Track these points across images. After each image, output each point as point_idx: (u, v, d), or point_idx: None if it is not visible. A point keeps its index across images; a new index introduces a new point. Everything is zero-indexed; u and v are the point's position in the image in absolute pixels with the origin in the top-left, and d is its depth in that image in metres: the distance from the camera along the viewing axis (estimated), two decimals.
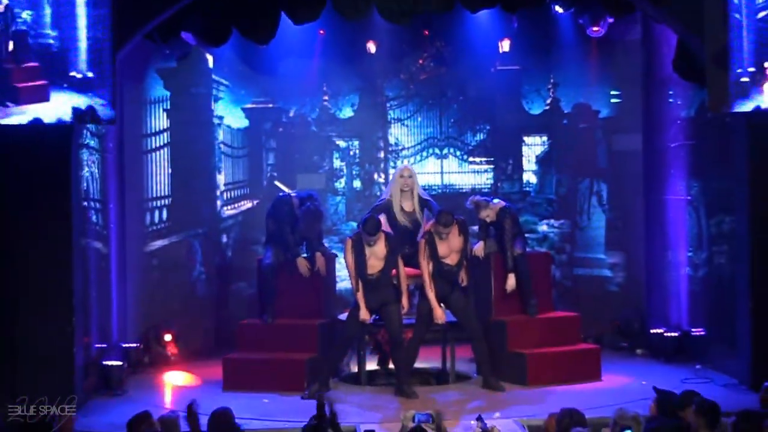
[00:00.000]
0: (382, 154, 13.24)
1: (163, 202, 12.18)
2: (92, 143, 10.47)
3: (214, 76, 12.64)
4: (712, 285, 10.93)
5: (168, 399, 10.34)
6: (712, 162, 10.91)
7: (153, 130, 12.01)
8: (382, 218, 10.34)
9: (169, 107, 12.17)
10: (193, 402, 6.86)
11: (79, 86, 8.89)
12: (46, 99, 8.84)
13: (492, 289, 10.55)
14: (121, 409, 8.93)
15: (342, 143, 13.21)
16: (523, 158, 13.26)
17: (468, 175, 13.28)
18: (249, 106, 13.03)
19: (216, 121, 12.76)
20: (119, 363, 10.38)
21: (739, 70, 9.23)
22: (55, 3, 8.81)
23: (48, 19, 8.82)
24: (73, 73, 8.86)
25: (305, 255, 10.70)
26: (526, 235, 11.35)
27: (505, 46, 12.78)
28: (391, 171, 12.84)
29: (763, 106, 9.33)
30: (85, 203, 10.23)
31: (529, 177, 13.27)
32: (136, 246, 11.62)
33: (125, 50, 9.58)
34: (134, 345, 11.21)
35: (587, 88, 12.87)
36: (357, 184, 13.25)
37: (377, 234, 9.88)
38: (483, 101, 13.13)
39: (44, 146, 9.28)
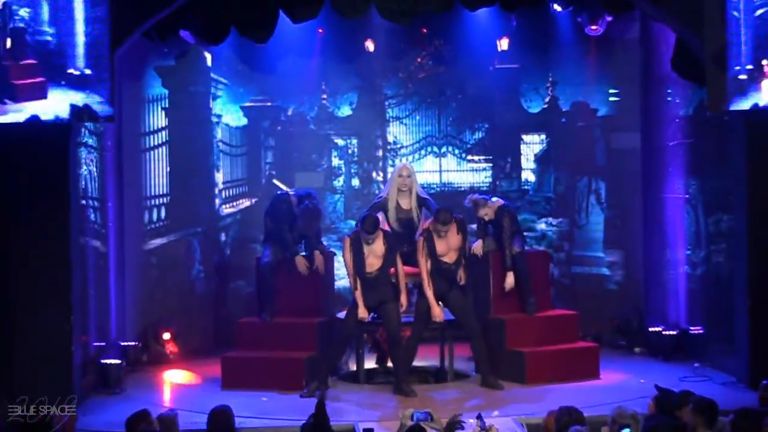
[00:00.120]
0: (380, 153, 13.22)
1: (161, 200, 12.16)
2: (90, 141, 10.46)
3: (212, 75, 12.61)
4: (711, 283, 10.94)
5: (167, 397, 10.34)
6: (711, 160, 10.91)
7: (151, 129, 12.00)
8: (381, 216, 10.34)
9: (167, 105, 12.15)
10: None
11: (77, 84, 8.85)
12: (43, 96, 8.82)
13: (490, 287, 10.55)
14: (120, 408, 8.91)
15: (340, 142, 13.20)
16: (522, 156, 13.24)
17: (466, 173, 13.26)
18: (247, 104, 13.00)
19: (214, 119, 12.74)
20: (118, 361, 10.37)
21: (737, 68, 9.22)
22: (52, 0, 8.79)
23: (46, 16, 8.79)
24: (71, 71, 8.83)
25: (304, 253, 10.69)
26: (525, 233, 11.35)
27: (503, 44, 12.77)
28: (390, 169, 12.84)
29: (761, 103, 9.33)
30: (84, 201, 10.22)
31: (528, 175, 13.25)
32: (134, 244, 11.60)
33: (123, 48, 9.55)
34: (133, 343, 11.19)
35: (586, 87, 12.84)
36: (355, 182, 13.24)
37: (376, 232, 9.87)
38: (481, 100, 13.11)
39: (42, 144, 9.26)
